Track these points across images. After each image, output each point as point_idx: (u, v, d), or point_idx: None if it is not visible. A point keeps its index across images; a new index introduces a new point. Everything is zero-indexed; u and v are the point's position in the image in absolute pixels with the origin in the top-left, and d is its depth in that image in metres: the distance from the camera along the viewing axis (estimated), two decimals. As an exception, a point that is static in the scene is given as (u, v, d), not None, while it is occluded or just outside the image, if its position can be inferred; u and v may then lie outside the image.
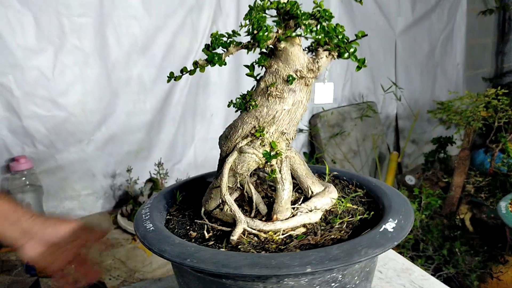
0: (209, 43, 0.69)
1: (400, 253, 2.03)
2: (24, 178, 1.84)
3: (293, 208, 0.73)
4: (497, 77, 4.30)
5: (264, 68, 0.72)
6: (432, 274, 1.92)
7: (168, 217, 0.81)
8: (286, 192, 0.72)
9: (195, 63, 0.72)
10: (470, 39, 3.82)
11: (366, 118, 2.92)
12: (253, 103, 0.71)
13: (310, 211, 0.72)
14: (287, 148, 0.74)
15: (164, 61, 2.18)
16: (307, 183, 0.76)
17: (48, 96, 1.88)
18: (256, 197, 0.75)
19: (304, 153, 2.78)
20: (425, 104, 3.36)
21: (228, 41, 0.68)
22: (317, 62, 0.67)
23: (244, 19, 0.64)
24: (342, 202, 0.76)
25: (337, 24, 0.65)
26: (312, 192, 0.76)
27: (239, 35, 0.71)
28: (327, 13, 0.64)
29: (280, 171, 0.71)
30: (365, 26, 2.96)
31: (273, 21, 0.66)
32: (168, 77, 0.76)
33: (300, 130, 2.72)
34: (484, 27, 4.07)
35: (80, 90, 1.96)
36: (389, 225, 0.66)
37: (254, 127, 0.72)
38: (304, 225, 0.71)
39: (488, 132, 2.69)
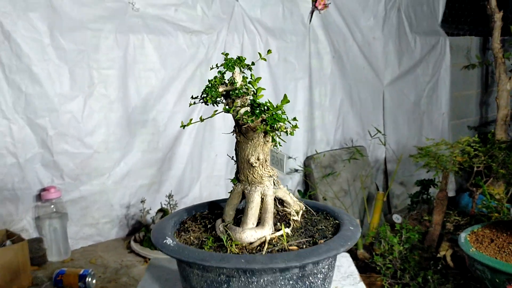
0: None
1: (381, 280, 2.28)
2: (52, 206, 2.12)
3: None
4: (482, 126, 4.62)
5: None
6: (407, 299, 2.16)
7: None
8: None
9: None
10: (455, 91, 4.17)
11: (356, 161, 3.21)
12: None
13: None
14: (238, 184, 1.02)
15: (176, 107, 2.50)
16: (244, 218, 0.98)
17: (77, 136, 2.20)
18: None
19: (299, 191, 3.05)
20: (412, 149, 3.65)
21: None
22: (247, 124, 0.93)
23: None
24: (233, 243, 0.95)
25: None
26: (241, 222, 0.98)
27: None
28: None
29: None
30: (355, 79, 3.32)
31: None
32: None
33: (296, 170, 3.01)
34: (468, 80, 4.43)
35: (104, 131, 2.27)
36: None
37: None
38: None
39: (470, 176, 2.97)
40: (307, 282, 0.89)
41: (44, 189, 2.13)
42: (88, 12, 2.18)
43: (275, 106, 0.92)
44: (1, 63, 1.98)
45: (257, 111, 0.91)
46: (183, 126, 1.00)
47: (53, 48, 2.10)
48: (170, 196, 2.35)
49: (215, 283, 0.87)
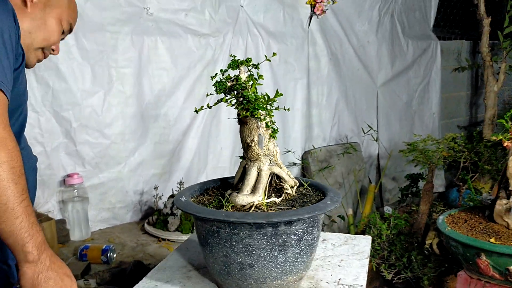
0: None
1: (370, 261, 2.51)
2: (75, 191, 2.35)
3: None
4: (471, 126, 4.87)
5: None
6: (393, 277, 2.40)
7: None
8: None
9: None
10: (445, 92, 4.40)
11: (350, 156, 3.45)
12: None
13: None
14: (243, 160, 1.25)
15: (185, 103, 2.73)
16: (242, 187, 1.21)
17: (97, 128, 2.43)
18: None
19: (297, 183, 3.28)
20: (404, 146, 3.88)
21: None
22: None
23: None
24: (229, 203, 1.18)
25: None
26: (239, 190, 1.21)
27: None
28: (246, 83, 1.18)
29: None
30: (351, 80, 3.56)
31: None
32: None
33: (294, 164, 3.24)
34: (459, 82, 4.67)
35: (121, 124, 2.50)
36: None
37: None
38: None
39: (457, 171, 3.20)
40: (280, 239, 1.08)
41: (67, 175, 2.36)
42: (108, 16, 2.40)
43: (257, 98, 1.16)
44: (31, 61, 2.21)
45: (245, 101, 1.15)
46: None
47: (77, 48, 2.32)
48: (181, 183, 2.58)
49: (210, 232, 1.11)
